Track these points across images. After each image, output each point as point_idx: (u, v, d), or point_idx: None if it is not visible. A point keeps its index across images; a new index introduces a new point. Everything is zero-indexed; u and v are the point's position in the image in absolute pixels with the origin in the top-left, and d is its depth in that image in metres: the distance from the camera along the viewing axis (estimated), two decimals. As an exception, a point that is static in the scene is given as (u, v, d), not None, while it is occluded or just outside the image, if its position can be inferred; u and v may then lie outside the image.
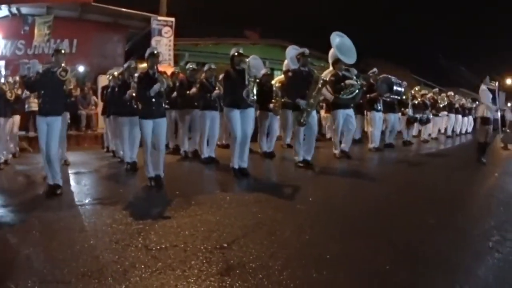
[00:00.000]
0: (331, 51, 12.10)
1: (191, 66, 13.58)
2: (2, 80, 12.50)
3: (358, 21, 33.47)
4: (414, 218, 6.53)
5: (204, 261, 4.75)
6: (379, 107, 14.21)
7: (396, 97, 14.31)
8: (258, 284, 4.18)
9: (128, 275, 4.42)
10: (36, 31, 20.82)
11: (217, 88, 11.55)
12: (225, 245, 5.24)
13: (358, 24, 28.93)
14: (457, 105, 22.87)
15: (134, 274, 4.44)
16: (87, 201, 8.03)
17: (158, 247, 5.23)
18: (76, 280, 4.36)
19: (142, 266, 4.65)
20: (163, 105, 9.17)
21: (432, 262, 4.75)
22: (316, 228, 6.02)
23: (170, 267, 4.60)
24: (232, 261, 4.71)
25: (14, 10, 21.01)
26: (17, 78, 12.29)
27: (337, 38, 11.66)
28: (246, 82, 9.38)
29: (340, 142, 12.59)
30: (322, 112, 17.44)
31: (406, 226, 6.14)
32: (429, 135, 19.41)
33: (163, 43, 21.73)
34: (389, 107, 14.88)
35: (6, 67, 19.13)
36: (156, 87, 8.53)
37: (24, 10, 21.23)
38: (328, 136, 17.67)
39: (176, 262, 4.74)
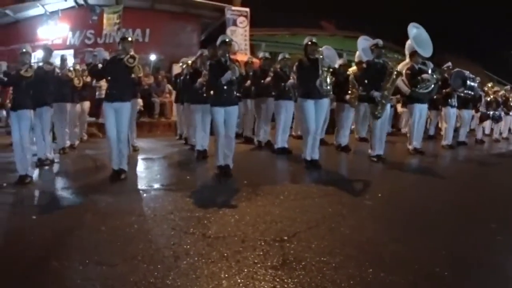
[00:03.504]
0: (408, 43, 11.89)
1: (265, 55, 13.68)
2: (69, 67, 12.90)
3: (433, 14, 32.42)
4: (477, 221, 6.33)
5: (261, 253, 4.76)
6: (454, 103, 13.86)
7: (469, 92, 13.92)
8: (311, 281, 4.14)
9: (179, 262, 4.50)
10: (105, 20, 21.57)
11: (291, 77, 11.51)
12: (285, 238, 5.23)
13: (433, 17, 28.02)
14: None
15: (185, 262, 4.51)
16: (151, 186, 8.26)
17: (216, 236, 5.29)
18: (123, 263, 4.50)
19: (196, 254, 4.72)
20: (235, 93, 9.24)
21: (487, 270, 4.59)
22: (379, 225, 5.95)
23: (224, 257, 4.64)
24: (289, 255, 4.70)
25: (80, 1, 21.80)
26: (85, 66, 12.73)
27: (414, 29, 11.44)
28: (320, 72, 9.30)
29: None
30: (399, 106, 17.16)
31: (467, 228, 5.96)
32: (500, 134, 18.76)
33: (239, 33, 21.98)
34: (463, 103, 14.48)
35: (75, 56, 19.85)
36: (228, 75, 8.59)
37: (91, 0, 21.96)
38: (403, 131, 17.45)
39: (231, 252, 4.77)
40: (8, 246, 5.27)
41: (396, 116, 18.52)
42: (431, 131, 16.69)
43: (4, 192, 7.93)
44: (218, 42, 9.07)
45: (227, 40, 9.03)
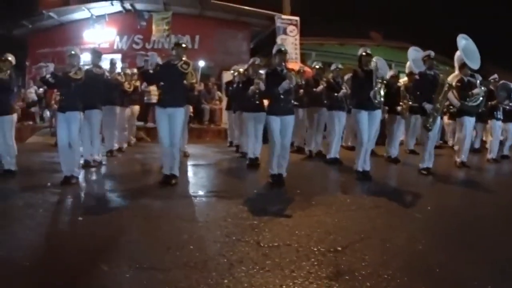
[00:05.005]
0: (457, 55, 11.81)
1: (317, 64, 13.78)
2: (118, 71, 13.19)
3: (479, 25, 31.86)
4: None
5: (315, 263, 4.79)
6: (499, 116, 13.70)
7: (513, 104, 13.75)
8: (364, 293, 4.19)
9: (233, 270, 4.54)
10: (154, 26, 22.21)
11: (343, 88, 11.56)
12: (339, 248, 5.26)
13: (479, 28, 27.42)
14: None
15: (239, 270, 4.55)
16: (202, 193, 8.42)
17: (270, 245, 5.33)
18: (176, 269, 4.57)
19: (250, 262, 4.77)
20: (291, 102, 9.30)
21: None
22: (429, 238, 5.94)
23: (278, 266, 4.68)
24: (342, 266, 4.73)
25: (127, 6, 22.41)
26: (135, 70, 12.97)
27: (463, 41, 11.35)
28: (374, 83, 9.36)
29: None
30: (445, 119, 16.98)
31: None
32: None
33: (289, 41, 21.97)
34: (508, 116, 14.30)
35: (123, 60, 20.30)
36: (285, 84, 8.62)
37: (139, 6, 22.56)
38: (450, 143, 17.29)
39: (285, 262, 4.80)
40: (54, 247, 5.38)
41: (443, 129, 18.37)
42: (477, 144, 16.49)
43: (50, 192, 8.15)
44: (274, 51, 9.14)
45: (283, 49, 9.12)
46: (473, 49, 11.43)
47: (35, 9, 22.94)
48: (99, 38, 22.81)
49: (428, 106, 10.28)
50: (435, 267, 4.79)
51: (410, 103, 12.43)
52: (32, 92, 20.93)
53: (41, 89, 20.67)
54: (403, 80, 14.39)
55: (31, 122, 20.20)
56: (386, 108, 12.13)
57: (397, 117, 12.98)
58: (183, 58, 8.76)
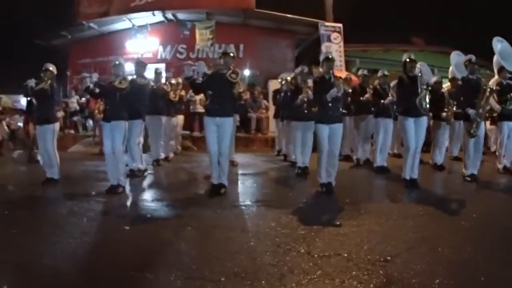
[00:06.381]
0: (495, 59, 11.75)
1: (363, 72, 13.84)
2: (163, 80, 13.39)
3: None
4: None
5: (365, 273, 4.83)
6: None
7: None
8: (413, 303, 4.23)
9: (284, 280, 4.61)
10: (197, 36, 22.33)
11: (390, 95, 11.57)
12: (389, 258, 5.29)
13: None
14: None
15: (290, 280, 4.61)
16: (252, 202, 8.49)
17: (321, 254, 5.38)
18: (227, 280, 4.62)
19: (301, 272, 4.82)
20: (340, 110, 9.37)
21: None
22: (475, 246, 5.93)
23: (329, 276, 4.73)
24: (392, 276, 4.77)
25: (169, 16, 22.83)
26: (180, 79, 13.15)
27: (498, 44, 11.28)
28: (419, 90, 9.34)
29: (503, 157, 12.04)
30: (488, 124, 16.76)
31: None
32: None
33: (333, 49, 21.86)
34: None
35: (167, 70, 20.76)
36: (333, 92, 8.71)
37: (181, 16, 22.94)
38: (492, 149, 17.05)
39: (336, 271, 4.85)
40: (100, 255, 5.52)
41: (486, 134, 18.11)
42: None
43: (94, 201, 8.37)
44: (321, 58, 9.24)
45: (330, 56, 9.20)
46: (510, 51, 11.34)
47: (74, 20, 23.45)
48: (141, 48, 23.17)
49: (471, 112, 10.25)
50: (480, 276, 4.82)
51: (455, 108, 12.35)
52: (74, 102, 21.37)
53: (83, 99, 21.12)
54: (446, 85, 14.30)
55: (73, 131, 20.61)
56: (431, 114, 12.08)
57: (442, 123, 12.86)
58: (231, 67, 8.87)
